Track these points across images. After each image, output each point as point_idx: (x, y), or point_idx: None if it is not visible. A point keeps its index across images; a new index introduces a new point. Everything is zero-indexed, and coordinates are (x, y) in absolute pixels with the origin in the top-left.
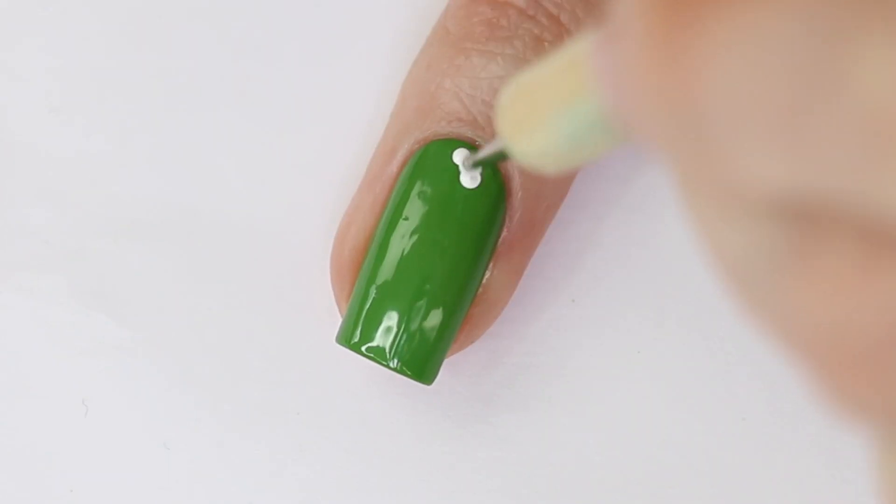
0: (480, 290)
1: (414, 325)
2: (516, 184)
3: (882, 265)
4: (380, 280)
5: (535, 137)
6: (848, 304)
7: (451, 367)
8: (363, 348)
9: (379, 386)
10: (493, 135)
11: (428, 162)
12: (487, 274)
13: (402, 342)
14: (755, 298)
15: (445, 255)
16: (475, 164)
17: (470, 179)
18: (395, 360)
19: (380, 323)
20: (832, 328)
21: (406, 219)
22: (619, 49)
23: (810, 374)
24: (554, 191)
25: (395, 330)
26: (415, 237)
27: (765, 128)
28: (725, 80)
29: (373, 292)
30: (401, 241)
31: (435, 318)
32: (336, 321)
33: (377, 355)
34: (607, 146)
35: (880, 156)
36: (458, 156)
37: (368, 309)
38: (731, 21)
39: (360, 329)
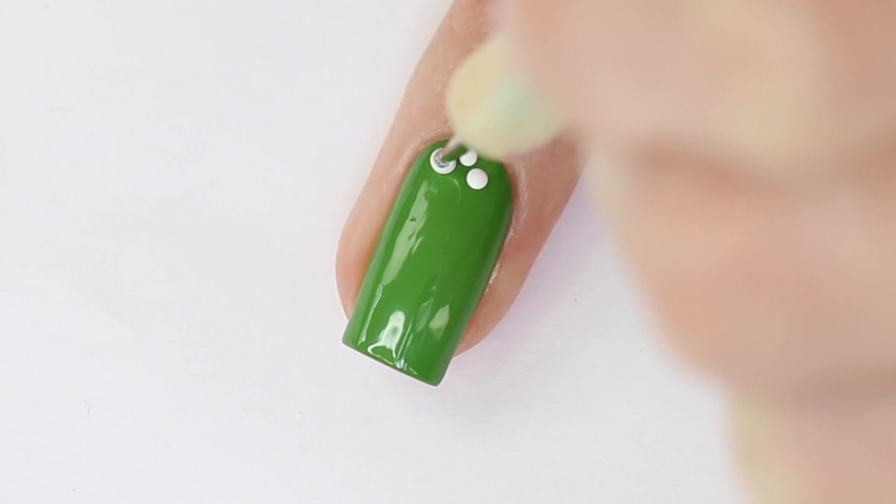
0: (487, 290)
1: (420, 326)
2: (523, 184)
3: (716, 205)
4: (386, 280)
5: (475, 115)
6: (680, 241)
7: (454, 366)
8: (369, 349)
9: (382, 385)
10: None
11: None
12: (494, 274)
13: (408, 343)
14: (618, 232)
15: (452, 255)
16: (444, 159)
17: (476, 180)
18: (402, 361)
19: (386, 323)
20: (665, 263)
21: (412, 219)
22: (511, 11)
23: (650, 315)
24: (560, 191)
25: (401, 330)
26: (421, 237)
27: (619, 64)
28: (584, 12)
29: (379, 293)
30: (407, 242)
31: (441, 319)
32: (340, 321)
33: (384, 356)
34: (546, 123)
35: (714, 85)
36: (434, 155)
37: (375, 309)
38: None
39: (366, 329)
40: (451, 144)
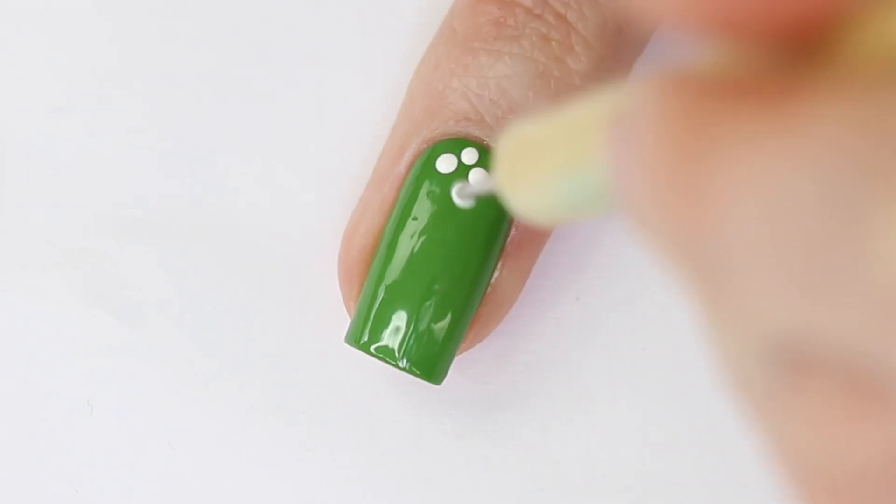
0: (489, 289)
1: (423, 325)
2: None
3: (866, 408)
4: (389, 280)
5: (532, 195)
6: (831, 442)
7: (457, 366)
8: (372, 348)
9: (384, 385)
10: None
11: (436, 161)
12: (496, 273)
13: (411, 342)
14: (755, 411)
15: (454, 254)
16: (468, 195)
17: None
18: (405, 360)
19: (389, 323)
20: (815, 460)
21: (415, 219)
22: (633, 151)
23: (795, 495)
24: None
25: (404, 330)
26: (423, 237)
27: (777, 275)
28: (741, 221)
29: (382, 292)
30: (409, 241)
31: (444, 318)
32: (343, 321)
33: (386, 355)
34: (606, 211)
35: (887, 323)
36: (455, 187)
37: (377, 309)
38: (750, 163)
39: (369, 329)
40: (482, 188)
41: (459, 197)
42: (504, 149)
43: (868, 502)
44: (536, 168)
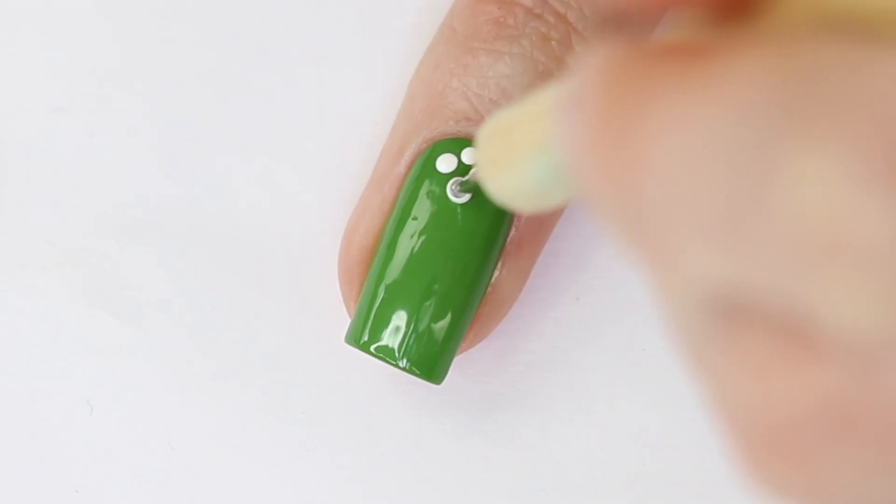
0: (489, 289)
1: (423, 325)
2: None
3: (802, 354)
4: (388, 280)
5: (506, 179)
6: (768, 388)
7: (457, 366)
8: (372, 348)
9: (384, 385)
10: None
11: (436, 161)
12: (496, 273)
13: (411, 342)
14: (695, 363)
15: (454, 254)
16: (463, 190)
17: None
18: (405, 360)
19: (389, 322)
20: (753, 408)
21: (414, 218)
22: (575, 117)
23: (735, 451)
24: None
25: (404, 329)
26: (423, 237)
27: (699, 222)
28: (665, 169)
29: (382, 292)
30: (409, 241)
31: (444, 318)
32: (343, 321)
33: (386, 355)
34: (575, 193)
35: (805, 264)
36: (451, 184)
37: (377, 309)
38: (676, 108)
39: (369, 329)
40: (474, 179)
41: (453, 193)
42: (481, 137)
43: (803, 450)
44: (509, 152)
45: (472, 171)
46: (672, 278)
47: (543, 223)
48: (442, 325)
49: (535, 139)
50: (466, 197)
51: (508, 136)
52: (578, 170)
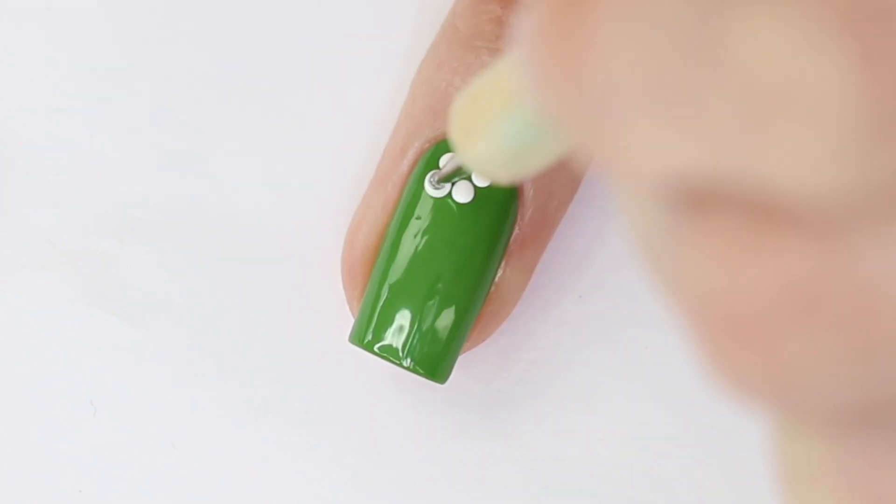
0: (492, 288)
1: (426, 324)
2: (528, 181)
3: (765, 237)
4: (392, 279)
5: (480, 144)
6: (731, 274)
7: (460, 365)
8: (376, 347)
9: (388, 384)
10: None
11: (439, 160)
12: (499, 272)
13: (414, 341)
14: (658, 268)
15: (457, 253)
16: (440, 181)
17: (482, 178)
18: (408, 360)
19: (392, 322)
20: (716, 295)
21: (418, 217)
22: (527, 46)
23: (698, 347)
24: (565, 188)
25: (407, 329)
26: (426, 236)
27: (650, 105)
28: (614, 52)
29: (385, 291)
30: (412, 240)
31: (447, 317)
32: (346, 320)
33: (390, 354)
34: (554, 149)
35: (758, 128)
36: (429, 176)
37: (381, 308)
38: None
39: (372, 328)
40: (448, 167)
41: (431, 185)
42: (453, 112)
43: (767, 337)
44: (479, 117)
45: (444, 159)
46: (629, 174)
47: (547, 221)
48: (446, 324)
49: (501, 97)
50: (446, 188)
51: (477, 103)
52: (535, 89)
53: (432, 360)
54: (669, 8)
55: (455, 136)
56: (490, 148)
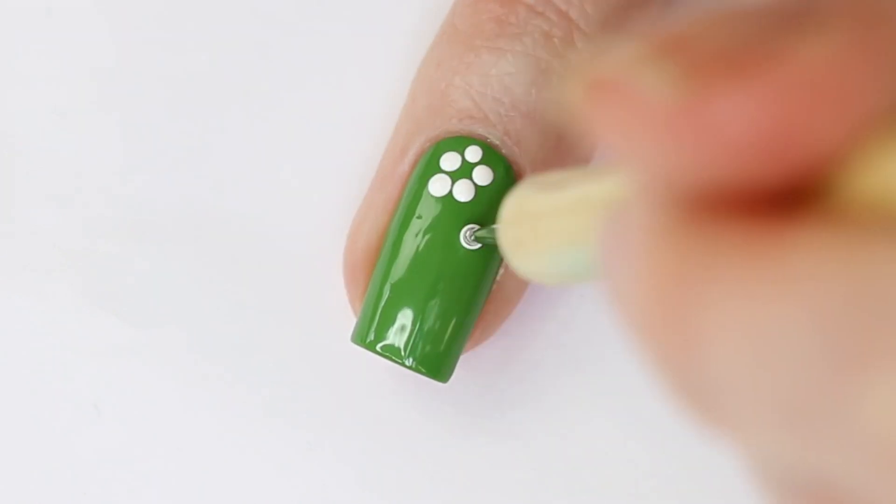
0: (494, 287)
1: (429, 324)
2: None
3: None
4: (394, 278)
5: (534, 261)
6: None
7: (463, 364)
8: (378, 347)
9: (390, 383)
10: (503, 132)
11: (440, 160)
12: (501, 271)
13: (417, 340)
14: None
15: (459, 252)
16: (478, 240)
17: (483, 177)
18: (411, 359)
19: (394, 321)
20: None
21: (419, 217)
22: (624, 259)
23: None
24: None
25: (409, 328)
26: (428, 235)
27: (766, 413)
28: (726, 358)
29: (387, 291)
30: (414, 240)
31: (450, 317)
32: (348, 320)
33: (392, 354)
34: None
35: (881, 475)
36: (465, 230)
37: (383, 308)
38: (740, 297)
39: (374, 328)
40: (488, 238)
41: (466, 241)
42: (507, 214)
43: None
44: (536, 239)
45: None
46: (741, 446)
47: None
48: (448, 323)
49: (566, 235)
50: (478, 246)
51: (536, 223)
52: (623, 319)
53: (434, 359)
54: (800, 338)
55: (505, 243)
56: (543, 268)
